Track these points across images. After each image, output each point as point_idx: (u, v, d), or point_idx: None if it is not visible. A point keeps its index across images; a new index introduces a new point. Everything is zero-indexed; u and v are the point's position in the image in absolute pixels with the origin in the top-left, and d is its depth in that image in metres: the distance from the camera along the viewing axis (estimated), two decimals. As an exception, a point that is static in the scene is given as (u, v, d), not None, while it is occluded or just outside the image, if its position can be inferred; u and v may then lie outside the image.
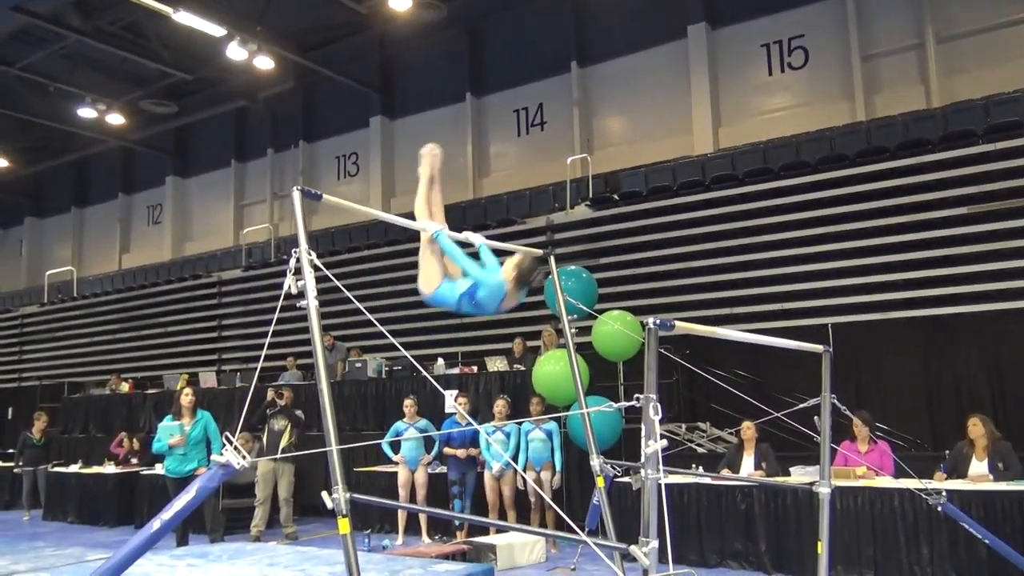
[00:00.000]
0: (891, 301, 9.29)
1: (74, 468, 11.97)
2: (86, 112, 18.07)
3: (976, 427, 6.63)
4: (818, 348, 4.47)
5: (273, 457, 9.00)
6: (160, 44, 16.59)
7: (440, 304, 4.15)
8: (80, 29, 15.40)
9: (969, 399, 8.62)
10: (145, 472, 10.95)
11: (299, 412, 9.42)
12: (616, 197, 12.01)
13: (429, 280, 4.08)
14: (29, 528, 11.17)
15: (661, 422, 2.83)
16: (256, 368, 4.08)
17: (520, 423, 8.39)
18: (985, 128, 9.43)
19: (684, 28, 13.63)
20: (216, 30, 14.40)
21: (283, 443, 9.21)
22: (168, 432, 7.85)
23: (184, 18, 13.84)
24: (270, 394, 9.72)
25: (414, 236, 13.78)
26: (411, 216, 4.38)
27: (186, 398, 8.07)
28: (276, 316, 3.41)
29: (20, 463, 12.52)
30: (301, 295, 3.28)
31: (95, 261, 22.64)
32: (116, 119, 18.51)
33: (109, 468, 11.61)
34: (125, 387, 14.77)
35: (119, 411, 13.99)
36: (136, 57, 16.61)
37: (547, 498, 4.53)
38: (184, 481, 7.38)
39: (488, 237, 4.42)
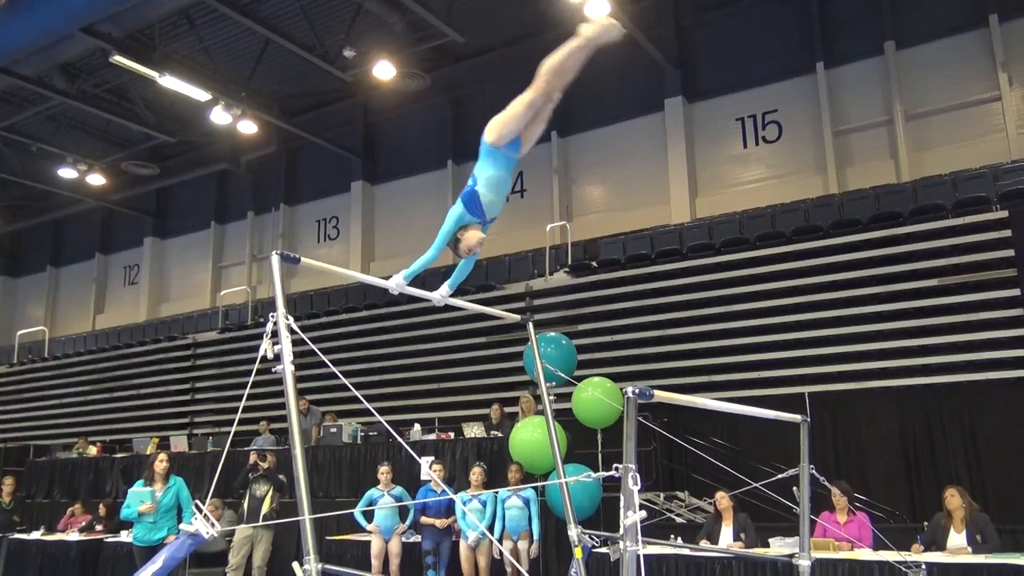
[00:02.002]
0: (866, 371, 9.35)
1: (36, 535, 11.58)
2: (67, 172, 18.10)
3: (953, 499, 6.62)
4: (796, 418, 4.48)
5: (254, 524, 8.77)
6: (145, 107, 16.75)
7: (482, 154, 4.27)
8: (65, 91, 15.53)
9: (947, 470, 8.62)
10: (110, 540, 10.61)
11: (282, 476, 9.25)
12: (595, 264, 12.10)
13: (498, 129, 4.19)
14: (-15, 598, 10.75)
15: (639, 491, 2.81)
16: (229, 432, 4.02)
17: (497, 492, 8.27)
18: (954, 203, 9.67)
19: (661, 101, 13.98)
20: (201, 95, 14.57)
21: (265, 508, 9.01)
22: (138, 499, 7.61)
23: (169, 82, 14.00)
24: (252, 457, 9.53)
25: (392, 301, 13.62)
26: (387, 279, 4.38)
27: (160, 464, 7.84)
28: (251, 379, 3.37)
29: None
30: (277, 359, 3.26)
31: (68, 321, 22.35)
32: (97, 180, 18.54)
33: (72, 535, 11.25)
34: (93, 450, 14.42)
35: (85, 475, 13.63)
36: (120, 119, 16.74)
37: (522, 570, 4.44)
38: (152, 550, 7.15)
39: (468, 302, 4.44)
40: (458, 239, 4.22)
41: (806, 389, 9.32)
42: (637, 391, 2.90)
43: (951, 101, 11.80)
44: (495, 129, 4.19)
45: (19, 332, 20.36)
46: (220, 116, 14.92)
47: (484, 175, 4.18)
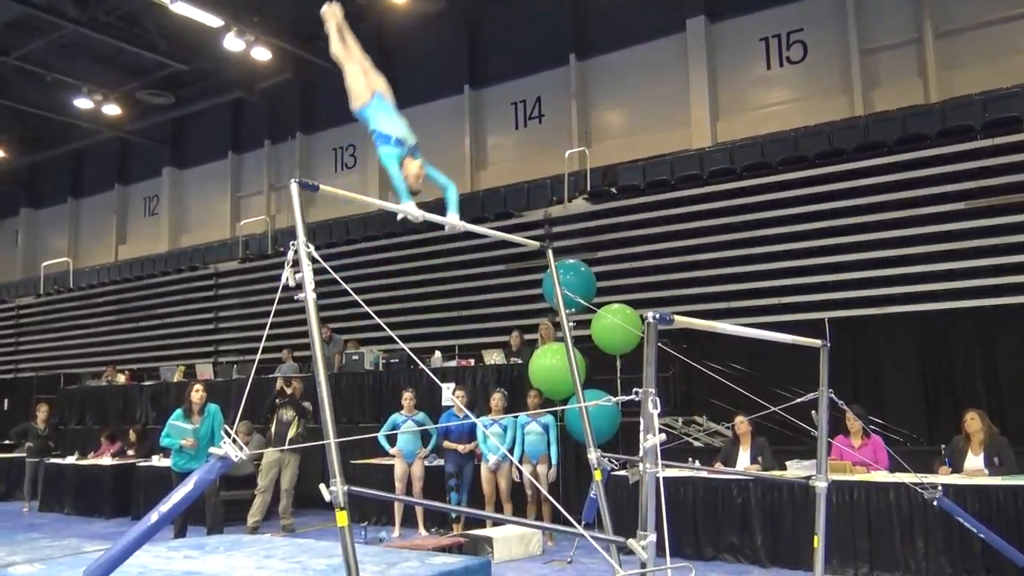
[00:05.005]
0: (888, 296, 9.30)
1: (71, 459, 11.97)
2: (82, 102, 18.01)
3: (974, 421, 6.65)
4: (816, 343, 4.47)
5: (280, 448, 9.00)
6: (157, 34, 16.52)
7: (362, 120, 4.69)
8: (76, 19, 15.32)
9: (965, 394, 8.64)
10: (142, 464, 10.95)
11: (306, 404, 9.45)
12: (614, 191, 12.00)
13: (355, 97, 4.74)
14: (25, 519, 11.17)
15: (659, 415, 2.83)
16: (253, 360, 4.08)
17: (516, 416, 8.40)
18: (983, 123, 9.43)
19: (683, 21, 13.60)
20: (213, 21, 14.35)
21: (291, 433, 9.24)
22: (179, 433, 7.79)
23: (181, 8, 13.77)
24: (279, 384, 9.72)
25: (411, 229, 13.55)
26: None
27: (196, 394, 7.97)
28: (274, 308, 3.40)
29: (25, 453, 12.52)
30: (299, 287, 3.28)
31: (91, 252, 22.59)
32: (112, 110, 18.45)
33: (106, 459, 11.61)
34: (121, 378, 14.76)
35: (115, 402, 13.98)
36: (133, 47, 16.54)
37: (544, 491, 4.54)
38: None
39: (487, 229, 4.42)
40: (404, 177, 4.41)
41: (826, 315, 9.29)
42: (657, 316, 2.90)
43: (982, 17, 11.37)
44: (351, 100, 4.75)
45: (44, 263, 20.61)
46: (233, 43, 14.71)
47: (377, 126, 4.54)
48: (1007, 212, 8.72)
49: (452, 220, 4.49)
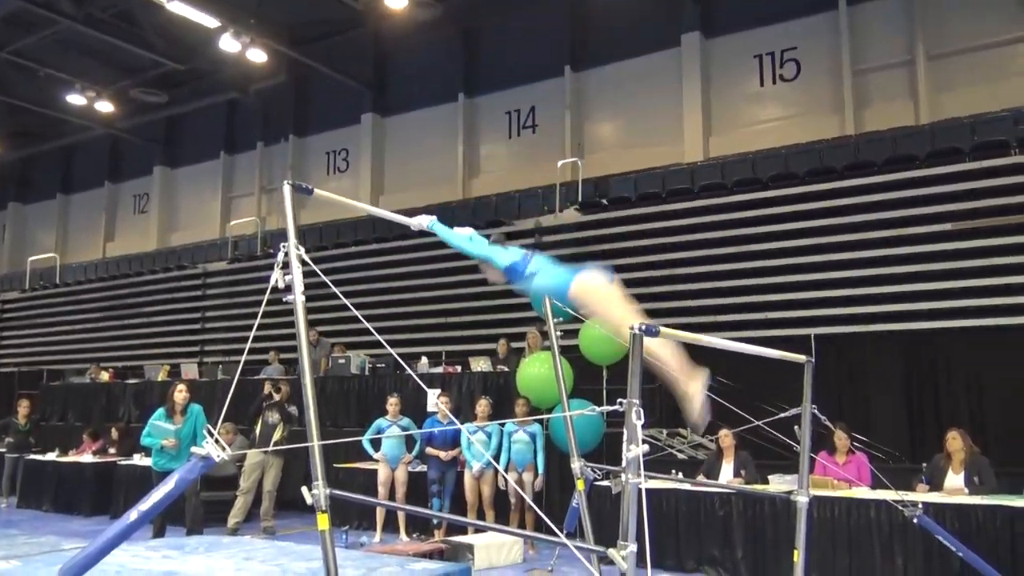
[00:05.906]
0: (874, 314, 9.36)
1: (51, 456, 11.88)
2: (75, 98, 17.95)
3: (955, 441, 6.70)
4: (800, 358, 4.49)
5: (264, 450, 8.97)
6: (153, 33, 16.50)
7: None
8: (72, 15, 15.28)
9: (948, 413, 8.69)
10: (123, 462, 10.87)
11: (292, 408, 9.41)
12: (605, 202, 12.04)
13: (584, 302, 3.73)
14: (3, 515, 11.06)
15: (643, 427, 2.84)
16: (239, 361, 4.06)
17: (503, 424, 8.40)
18: (972, 146, 9.52)
19: (678, 37, 13.68)
20: (210, 21, 14.35)
21: (276, 436, 9.20)
22: (161, 432, 7.75)
23: (178, 8, 13.77)
24: (267, 387, 9.70)
25: (402, 234, 13.54)
26: (405, 213, 4.36)
27: (179, 394, 7.93)
28: (261, 309, 3.39)
29: (5, 448, 12.41)
30: (288, 289, 3.27)
31: (79, 249, 22.45)
32: (105, 106, 18.39)
33: (86, 457, 11.53)
34: (105, 376, 14.66)
35: (98, 400, 13.89)
36: (128, 45, 16.50)
37: (528, 499, 4.54)
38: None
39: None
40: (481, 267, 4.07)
41: (812, 331, 9.34)
42: (643, 328, 2.92)
43: (974, 41, 11.48)
44: (585, 295, 3.79)
45: (31, 258, 20.49)
46: (229, 44, 14.70)
47: (539, 284, 3.85)
48: (993, 234, 8.80)
49: (419, 219, 4.29)
